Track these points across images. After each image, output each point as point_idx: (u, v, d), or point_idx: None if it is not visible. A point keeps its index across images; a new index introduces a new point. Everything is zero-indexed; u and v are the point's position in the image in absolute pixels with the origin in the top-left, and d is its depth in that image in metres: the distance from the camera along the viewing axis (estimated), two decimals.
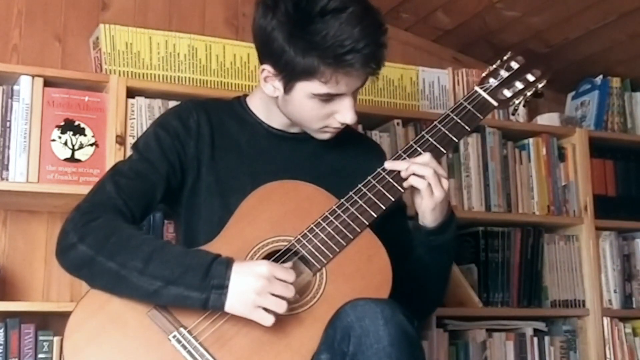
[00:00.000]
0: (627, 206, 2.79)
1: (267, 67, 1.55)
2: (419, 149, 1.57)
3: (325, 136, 1.63)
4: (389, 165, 1.56)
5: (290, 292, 1.37)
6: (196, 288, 1.36)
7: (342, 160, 1.70)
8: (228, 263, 1.38)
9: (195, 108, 1.66)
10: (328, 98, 1.53)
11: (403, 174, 1.55)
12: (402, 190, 1.55)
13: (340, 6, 1.46)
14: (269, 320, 1.36)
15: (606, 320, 2.63)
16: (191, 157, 1.61)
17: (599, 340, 2.60)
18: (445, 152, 1.59)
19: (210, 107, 1.68)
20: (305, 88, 1.52)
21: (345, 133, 1.66)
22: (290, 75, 1.52)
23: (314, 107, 1.55)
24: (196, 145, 1.62)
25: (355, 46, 1.45)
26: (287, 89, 1.54)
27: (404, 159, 1.56)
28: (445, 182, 1.55)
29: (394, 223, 1.65)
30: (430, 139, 1.58)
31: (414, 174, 1.54)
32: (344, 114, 1.56)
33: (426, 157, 1.55)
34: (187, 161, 1.61)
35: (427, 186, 1.53)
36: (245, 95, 1.74)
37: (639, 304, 2.73)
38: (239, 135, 1.66)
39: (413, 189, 1.56)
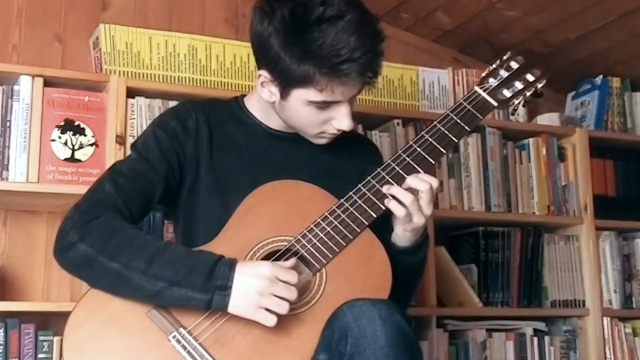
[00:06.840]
0: (627, 206, 2.79)
1: (264, 73, 1.55)
2: (411, 161, 1.54)
3: (322, 141, 1.63)
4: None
5: (292, 294, 1.37)
6: (200, 289, 1.36)
7: (339, 160, 1.70)
8: (231, 264, 1.38)
9: (193, 108, 1.65)
10: (324, 105, 1.53)
11: (385, 192, 1.51)
12: None
13: (337, 14, 1.45)
14: (271, 320, 1.36)
15: (606, 320, 2.63)
16: (190, 157, 1.61)
17: (599, 340, 2.60)
18: (444, 152, 1.59)
19: (208, 107, 1.68)
20: (301, 95, 1.52)
21: (343, 133, 1.65)
22: (286, 82, 1.51)
23: (310, 113, 1.55)
24: (195, 145, 1.61)
25: (352, 55, 1.44)
26: (284, 95, 1.54)
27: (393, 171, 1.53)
28: (427, 209, 1.51)
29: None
30: (429, 139, 1.58)
31: (395, 198, 1.50)
32: (340, 120, 1.56)
33: (412, 181, 1.50)
34: (185, 161, 1.61)
35: (406, 214, 1.50)
36: (243, 96, 1.74)
37: (639, 304, 2.73)
38: (237, 136, 1.66)
39: None
